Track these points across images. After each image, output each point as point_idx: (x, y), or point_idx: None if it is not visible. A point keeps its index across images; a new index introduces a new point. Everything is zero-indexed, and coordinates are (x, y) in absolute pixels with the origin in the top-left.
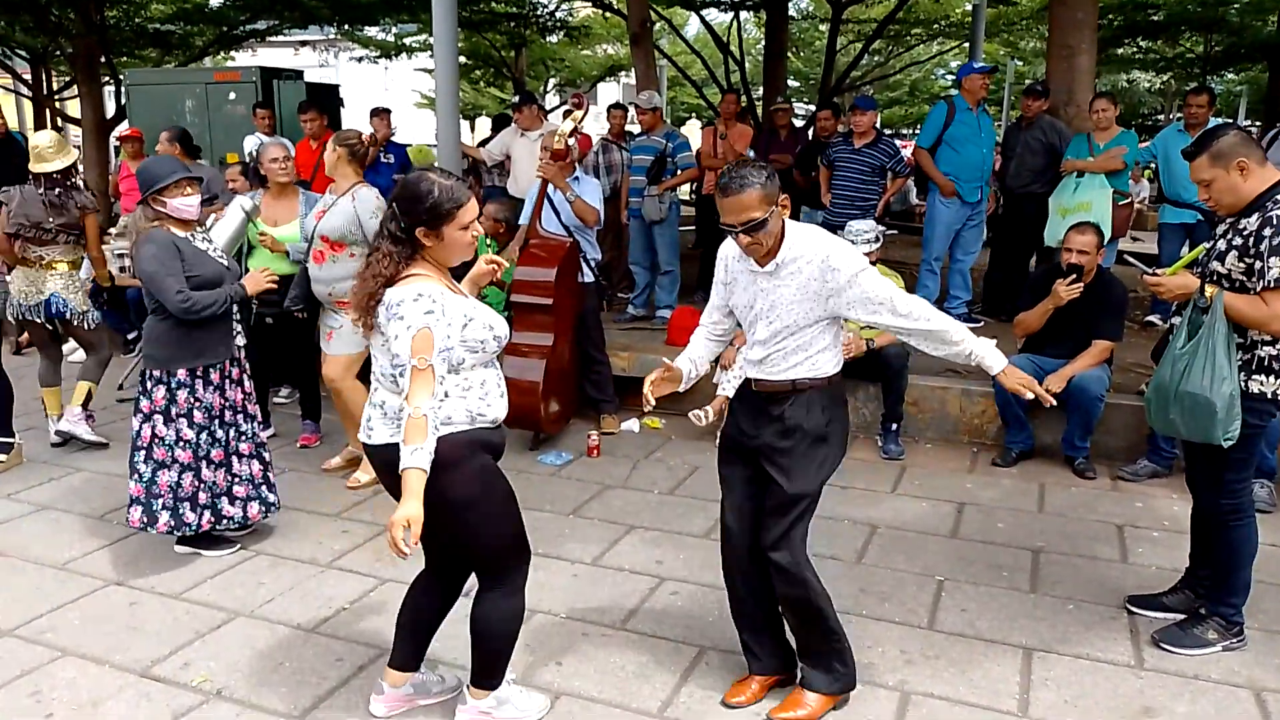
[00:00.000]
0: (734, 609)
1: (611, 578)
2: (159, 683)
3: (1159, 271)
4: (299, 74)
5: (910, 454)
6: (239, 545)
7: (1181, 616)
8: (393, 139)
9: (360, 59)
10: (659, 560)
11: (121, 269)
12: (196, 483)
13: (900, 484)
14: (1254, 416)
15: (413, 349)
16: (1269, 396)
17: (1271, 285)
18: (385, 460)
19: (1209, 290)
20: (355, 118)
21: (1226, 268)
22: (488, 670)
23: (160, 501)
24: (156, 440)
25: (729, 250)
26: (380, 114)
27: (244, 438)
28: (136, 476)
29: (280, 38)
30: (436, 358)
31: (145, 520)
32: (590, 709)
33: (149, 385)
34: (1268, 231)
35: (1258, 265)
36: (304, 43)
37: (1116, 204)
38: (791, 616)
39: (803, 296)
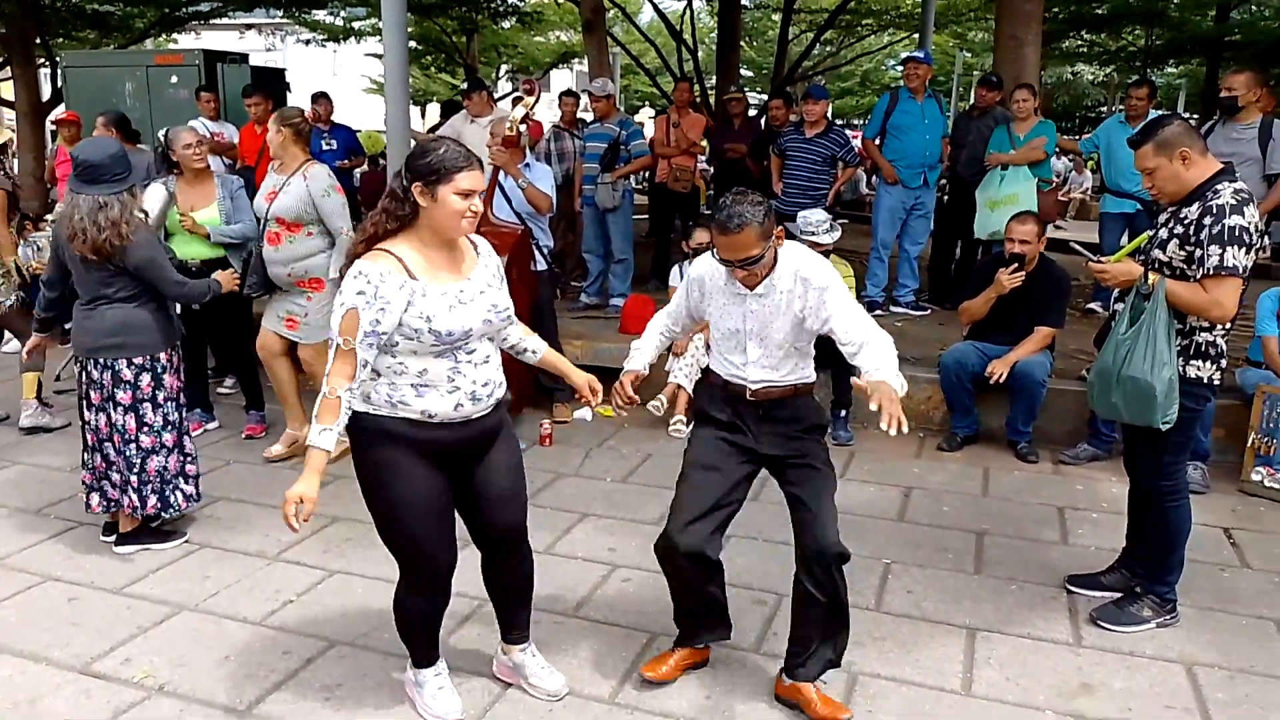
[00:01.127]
0: (684, 591)
1: (564, 566)
2: (99, 679)
3: (1103, 259)
4: (244, 57)
5: (859, 439)
6: (184, 538)
7: (1119, 595)
8: (338, 123)
9: (308, 43)
10: (611, 548)
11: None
12: (180, 459)
13: (849, 469)
14: (1191, 400)
15: (340, 328)
16: (1205, 381)
17: (1210, 272)
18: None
19: (1151, 278)
20: (302, 102)
21: (1168, 256)
22: (405, 644)
23: (150, 487)
24: (145, 428)
25: (704, 273)
26: (320, 98)
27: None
28: (127, 467)
29: (225, 20)
30: (361, 340)
31: (136, 505)
32: (544, 698)
33: (131, 375)
34: (1208, 220)
35: (1198, 253)
36: (250, 26)
37: (1041, 192)
38: (829, 609)
39: (789, 312)
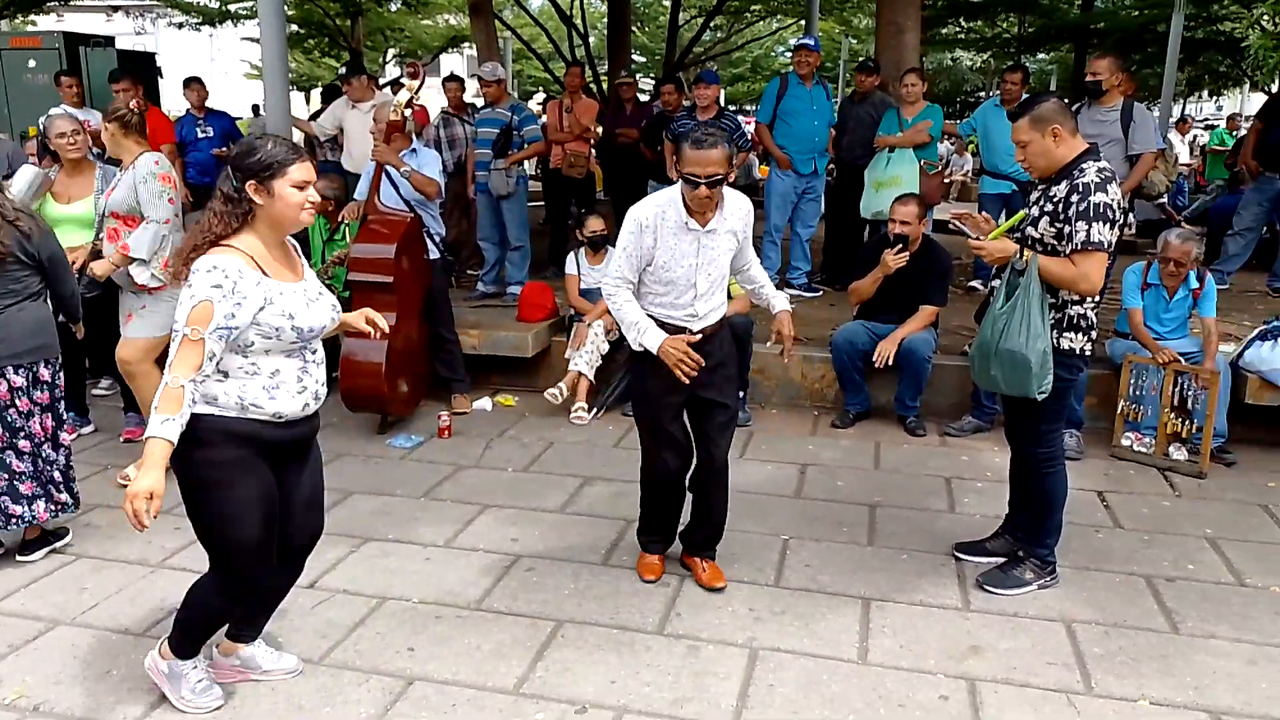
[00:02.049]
0: (665, 513)
1: (465, 558)
2: None
3: (981, 238)
4: (110, 40)
5: (757, 419)
6: (51, 548)
7: (1003, 560)
8: (214, 110)
9: (181, 25)
10: (514, 538)
11: None
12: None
13: (748, 449)
14: (1065, 371)
15: (188, 319)
16: (1077, 352)
17: (1079, 248)
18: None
19: (1025, 254)
20: (175, 88)
21: (1040, 233)
22: (176, 633)
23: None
24: (59, 425)
25: (652, 216)
26: (192, 84)
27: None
28: (51, 467)
29: (89, 1)
30: (212, 334)
31: (64, 502)
32: (445, 691)
33: (49, 375)
34: (1075, 198)
35: (1066, 229)
36: (116, 7)
37: (925, 175)
38: (721, 509)
39: (730, 244)
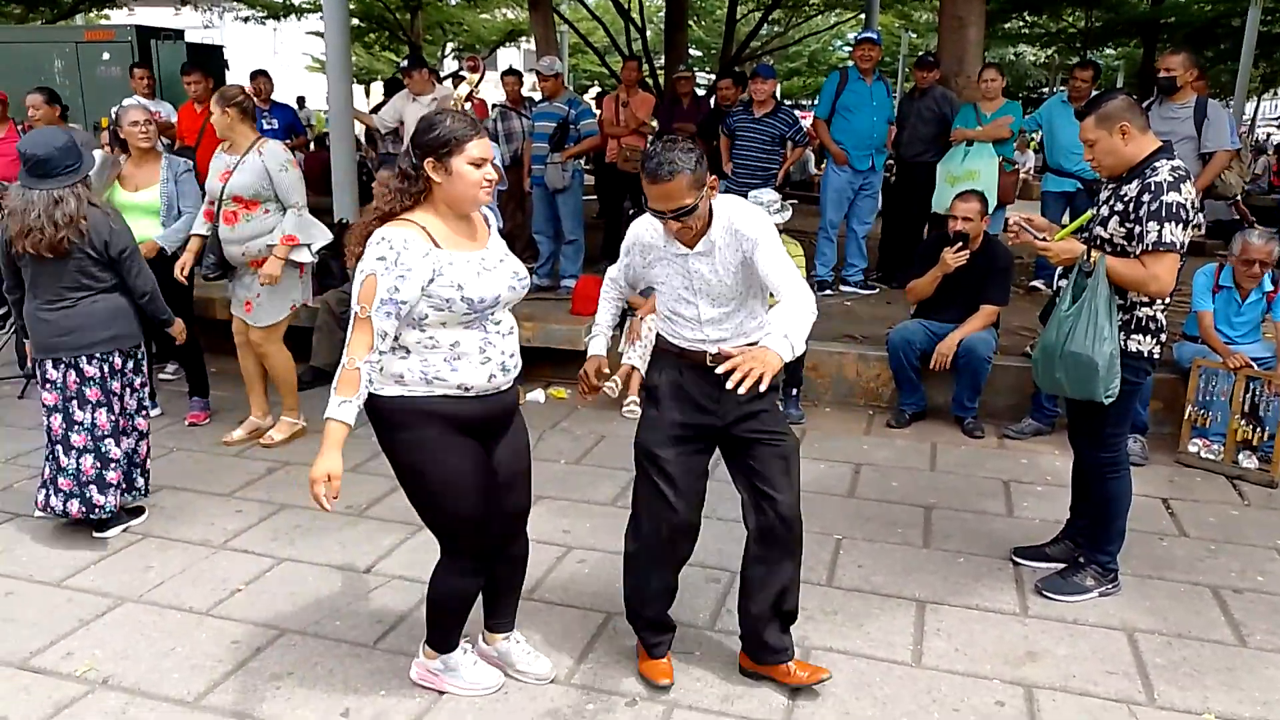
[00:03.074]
0: (650, 595)
1: None
2: (39, 674)
3: (1047, 238)
4: (179, 34)
5: (810, 417)
6: (125, 526)
7: (1062, 565)
8: (278, 103)
9: (246, 19)
10: (566, 530)
11: None
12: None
13: (800, 447)
14: (1131, 374)
15: (358, 295)
16: (1145, 355)
17: (1149, 248)
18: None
19: (1093, 255)
20: (241, 81)
21: (1109, 233)
22: (430, 631)
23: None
24: (113, 420)
25: (643, 233)
26: (259, 76)
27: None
28: (110, 463)
29: None
30: (377, 310)
31: (101, 503)
32: (503, 683)
33: (119, 363)
34: (1146, 197)
35: (1137, 230)
36: (185, 2)
37: (1003, 172)
38: (791, 572)
39: (733, 264)
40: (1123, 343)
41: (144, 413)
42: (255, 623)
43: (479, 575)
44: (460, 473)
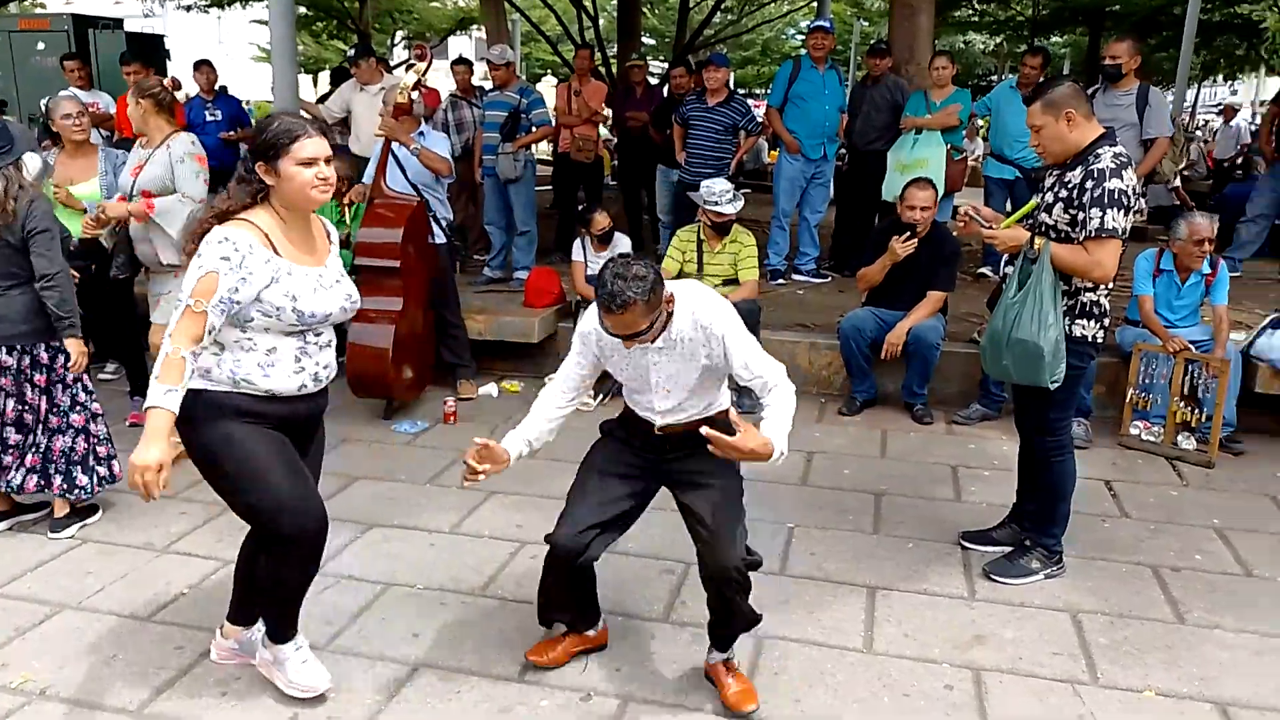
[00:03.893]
0: (562, 588)
1: (470, 545)
2: None
3: (993, 226)
4: (118, 22)
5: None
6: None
7: (1009, 549)
8: (222, 93)
9: (189, 8)
10: (519, 524)
11: None
12: (88, 442)
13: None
14: (1076, 359)
15: (194, 289)
16: (1089, 340)
17: (1092, 235)
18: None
19: (1038, 242)
20: (183, 71)
21: (1053, 219)
22: (265, 620)
23: (54, 467)
24: (55, 409)
25: (597, 328)
26: (202, 66)
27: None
28: (35, 448)
29: None
30: (214, 306)
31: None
32: (450, 679)
33: (47, 358)
34: (1089, 184)
35: (1080, 216)
36: None
37: (951, 160)
38: (734, 614)
39: (695, 360)
40: (1067, 328)
41: (78, 408)
42: (201, 627)
43: (303, 563)
44: (260, 456)
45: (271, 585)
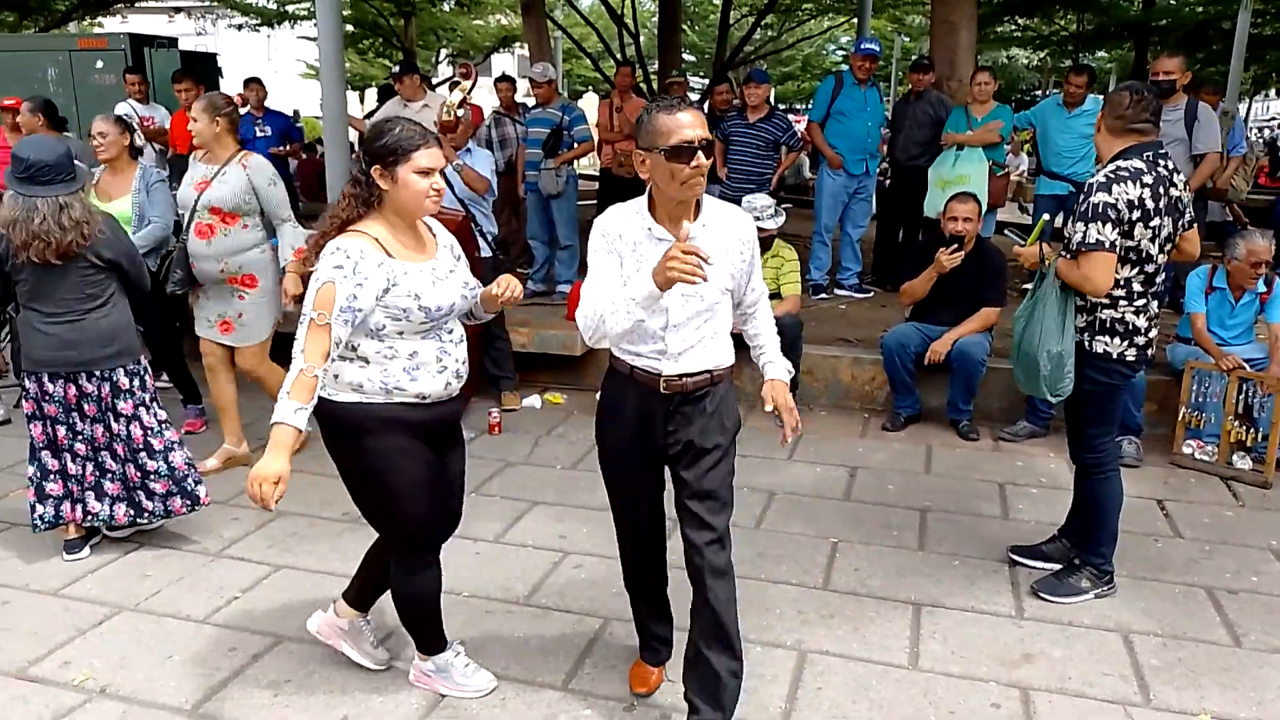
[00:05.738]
0: (650, 609)
1: (514, 554)
2: (36, 684)
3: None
4: (173, 41)
5: (805, 421)
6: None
7: (1058, 566)
8: (272, 110)
9: (240, 26)
10: (562, 535)
11: None
12: (185, 453)
13: (796, 450)
14: (1100, 375)
15: (314, 302)
16: (1114, 356)
17: (1078, 249)
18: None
19: (1048, 256)
20: (234, 88)
21: (1067, 234)
22: (415, 638)
23: (173, 484)
24: (150, 431)
25: (619, 225)
26: (253, 84)
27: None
28: (141, 475)
29: (152, 3)
30: (336, 317)
31: (131, 514)
32: (496, 686)
33: (128, 382)
34: (1081, 198)
35: (1068, 230)
36: (179, 9)
37: (993, 175)
38: (722, 614)
39: (730, 254)
40: (1087, 343)
41: (168, 424)
42: (253, 630)
43: (436, 567)
44: (417, 477)
45: (406, 596)
